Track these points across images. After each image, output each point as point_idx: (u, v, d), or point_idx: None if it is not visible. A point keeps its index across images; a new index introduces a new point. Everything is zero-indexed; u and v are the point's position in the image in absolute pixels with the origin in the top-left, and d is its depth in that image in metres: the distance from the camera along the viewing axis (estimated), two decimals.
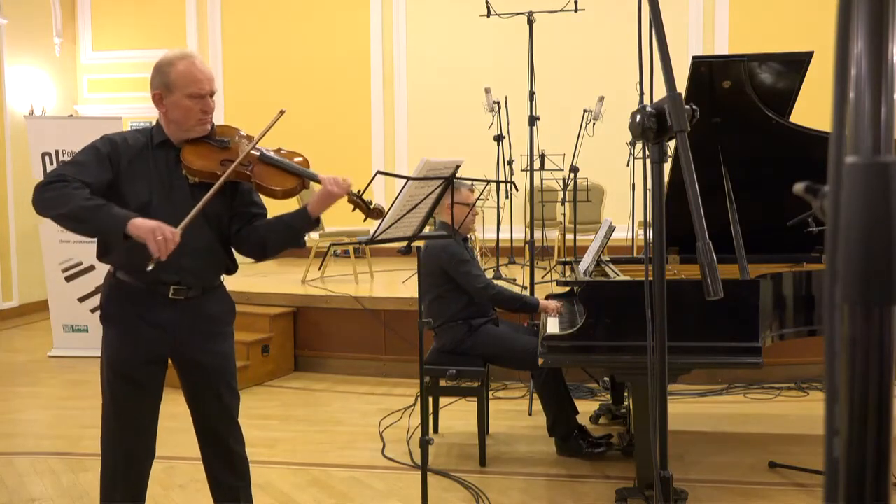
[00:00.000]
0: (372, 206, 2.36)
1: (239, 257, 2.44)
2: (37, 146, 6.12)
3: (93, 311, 6.15)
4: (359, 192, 2.33)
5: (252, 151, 2.24)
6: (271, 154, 2.31)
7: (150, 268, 2.02)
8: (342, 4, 9.01)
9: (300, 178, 2.28)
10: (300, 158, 2.36)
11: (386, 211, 2.45)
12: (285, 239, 2.34)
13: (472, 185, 4.04)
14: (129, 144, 2.23)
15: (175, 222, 2.08)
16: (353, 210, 2.38)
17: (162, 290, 2.23)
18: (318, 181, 2.27)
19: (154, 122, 2.33)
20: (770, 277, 3.08)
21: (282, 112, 2.23)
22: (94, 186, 2.11)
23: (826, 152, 0.57)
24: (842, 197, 0.56)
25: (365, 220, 2.47)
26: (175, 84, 2.19)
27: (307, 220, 2.28)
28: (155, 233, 2.00)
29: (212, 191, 2.15)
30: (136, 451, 2.32)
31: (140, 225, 2.01)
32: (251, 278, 6.50)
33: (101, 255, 2.30)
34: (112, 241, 2.17)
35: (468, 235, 4.07)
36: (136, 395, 2.29)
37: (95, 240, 2.30)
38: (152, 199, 2.19)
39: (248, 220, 2.35)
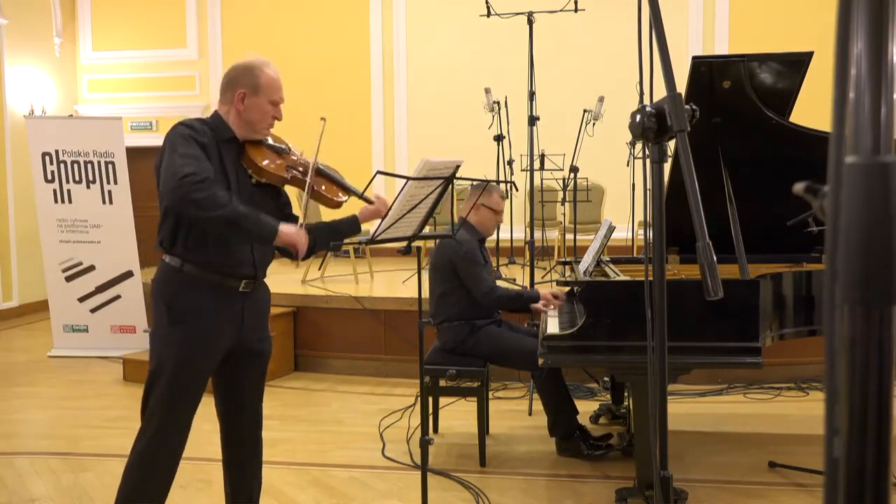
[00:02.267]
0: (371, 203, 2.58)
1: None
2: (37, 146, 6.12)
3: (93, 311, 6.16)
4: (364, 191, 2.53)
5: (309, 161, 2.43)
6: (326, 168, 2.49)
7: (298, 263, 2.24)
8: (342, 4, 9.01)
9: (348, 191, 2.50)
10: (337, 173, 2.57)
11: (386, 211, 2.47)
12: (331, 240, 2.52)
13: (504, 192, 4.05)
14: (203, 134, 2.27)
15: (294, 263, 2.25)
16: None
17: (234, 284, 2.31)
18: (360, 197, 2.47)
19: (209, 117, 2.39)
20: (770, 277, 3.08)
21: (323, 121, 2.40)
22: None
23: (826, 152, 0.57)
24: (842, 197, 0.56)
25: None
26: (263, 88, 2.31)
27: (356, 226, 2.50)
28: (301, 237, 2.22)
29: (308, 194, 2.34)
30: (180, 451, 2.37)
31: (288, 232, 2.20)
32: None
33: (171, 247, 2.28)
34: (258, 243, 2.32)
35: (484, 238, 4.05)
36: (199, 392, 2.34)
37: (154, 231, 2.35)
38: (229, 190, 2.24)
39: (280, 216, 2.44)
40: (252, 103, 2.31)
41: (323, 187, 2.44)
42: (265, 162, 2.34)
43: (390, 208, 2.48)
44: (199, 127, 2.27)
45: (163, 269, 2.31)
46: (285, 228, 2.20)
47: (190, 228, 2.25)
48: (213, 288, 2.28)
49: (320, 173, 2.45)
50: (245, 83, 2.31)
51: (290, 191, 2.55)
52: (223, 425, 2.51)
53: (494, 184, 3.89)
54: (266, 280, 2.52)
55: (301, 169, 2.40)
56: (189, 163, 2.11)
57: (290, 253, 2.31)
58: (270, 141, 2.43)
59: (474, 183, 3.88)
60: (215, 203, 2.08)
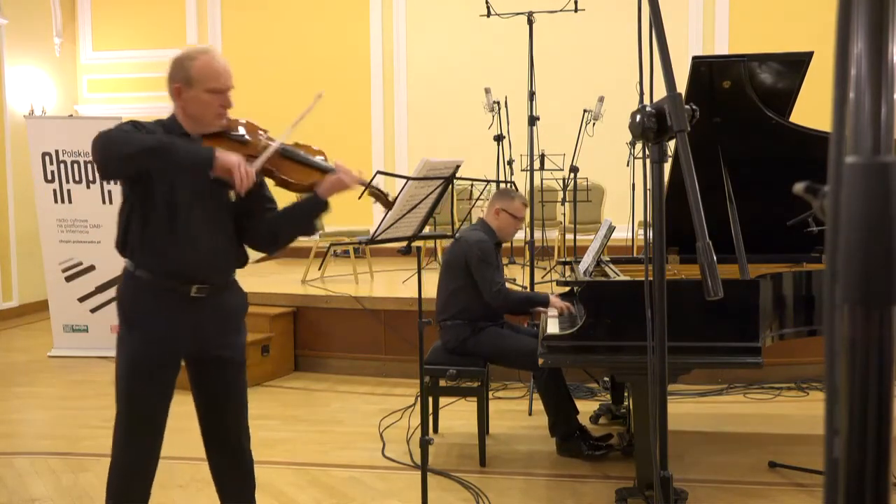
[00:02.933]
0: (391, 198, 2.42)
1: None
2: (37, 146, 6.12)
3: (93, 311, 6.16)
4: (376, 185, 2.38)
5: (277, 147, 2.26)
6: (293, 149, 2.32)
7: (232, 197, 2.10)
8: (342, 4, 9.01)
9: (321, 171, 2.30)
10: (320, 154, 2.39)
11: (388, 210, 2.46)
12: (298, 224, 2.36)
13: (527, 200, 4.05)
14: (151, 131, 2.22)
15: (199, 215, 2.13)
16: (375, 203, 2.44)
17: (185, 289, 2.22)
18: (325, 172, 2.30)
19: (168, 116, 2.31)
20: (770, 277, 3.08)
21: (319, 95, 2.27)
22: None
23: (826, 152, 0.57)
24: (842, 197, 0.56)
25: (383, 212, 2.51)
26: (195, 78, 2.19)
27: (319, 203, 2.28)
28: (240, 166, 2.05)
29: (265, 155, 2.18)
30: (149, 452, 2.32)
31: (226, 158, 2.06)
32: (251, 278, 6.50)
33: (123, 250, 2.27)
34: (193, 173, 2.15)
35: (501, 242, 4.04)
36: (154, 395, 2.28)
37: (116, 233, 2.28)
38: (176, 189, 2.18)
39: (260, 214, 2.36)
40: (189, 97, 2.20)
41: (280, 168, 2.26)
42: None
43: (392, 203, 2.47)
44: (148, 126, 2.23)
45: (122, 272, 2.30)
46: (225, 154, 2.07)
47: (134, 231, 2.20)
48: (164, 293, 2.21)
49: (285, 155, 2.28)
50: (177, 78, 2.21)
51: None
52: (202, 433, 2.44)
53: (516, 190, 3.89)
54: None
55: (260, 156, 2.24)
56: (111, 129, 2.08)
57: (229, 184, 2.13)
58: (242, 131, 2.30)
59: (503, 186, 3.89)
60: (134, 139, 2.04)
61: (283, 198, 2.39)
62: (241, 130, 2.32)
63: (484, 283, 3.67)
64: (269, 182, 2.35)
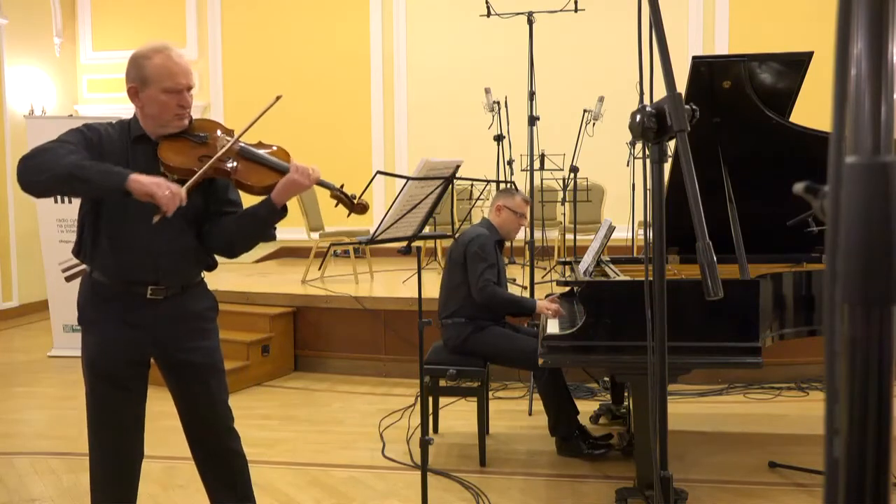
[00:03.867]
0: (356, 201, 2.30)
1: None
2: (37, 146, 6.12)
3: None
4: (341, 186, 2.28)
5: (233, 146, 2.18)
6: (252, 149, 2.23)
7: (156, 220, 1.97)
8: (342, 4, 9.01)
9: (281, 173, 2.20)
10: (277, 150, 2.29)
11: (387, 209, 2.45)
12: (253, 231, 2.27)
13: (527, 197, 4.03)
14: (109, 136, 2.18)
15: (149, 219, 2.03)
16: (336, 206, 2.32)
17: (140, 291, 2.19)
18: (283, 173, 2.19)
19: (132, 116, 2.25)
20: (770, 277, 3.08)
21: (278, 97, 2.16)
22: None
23: (826, 152, 0.57)
24: (842, 197, 0.56)
25: (349, 216, 2.39)
26: (151, 78, 2.11)
27: (271, 208, 2.19)
28: (161, 187, 1.95)
29: (205, 167, 2.09)
30: (122, 452, 2.28)
31: (142, 180, 1.94)
32: (251, 278, 6.50)
33: (78, 253, 2.24)
34: (110, 198, 2.08)
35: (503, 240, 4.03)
36: (118, 397, 2.24)
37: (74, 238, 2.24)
38: (130, 195, 2.05)
39: (218, 219, 2.29)
40: (146, 97, 2.13)
41: (238, 170, 2.16)
42: (175, 155, 2.14)
43: (390, 208, 2.47)
44: (105, 127, 2.19)
45: (82, 275, 2.28)
46: (139, 178, 1.93)
47: (87, 232, 2.18)
48: (119, 295, 2.19)
49: (244, 155, 2.19)
50: (132, 77, 2.14)
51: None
52: (185, 434, 2.40)
53: (517, 188, 3.89)
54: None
55: (227, 157, 2.16)
56: (44, 144, 2.03)
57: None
58: (202, 133, 2.22)
59: (505, 185, 3.90)
60: (51, 163, 1.96)
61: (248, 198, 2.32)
62: (203, 132, 2.24)
63: (472, 276, 3.67)
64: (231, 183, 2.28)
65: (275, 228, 2.30)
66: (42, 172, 1.98)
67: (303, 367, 5.56)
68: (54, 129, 6.82)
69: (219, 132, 2.26)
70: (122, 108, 9.08)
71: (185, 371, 2.31)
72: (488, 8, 5.40)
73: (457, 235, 3.88)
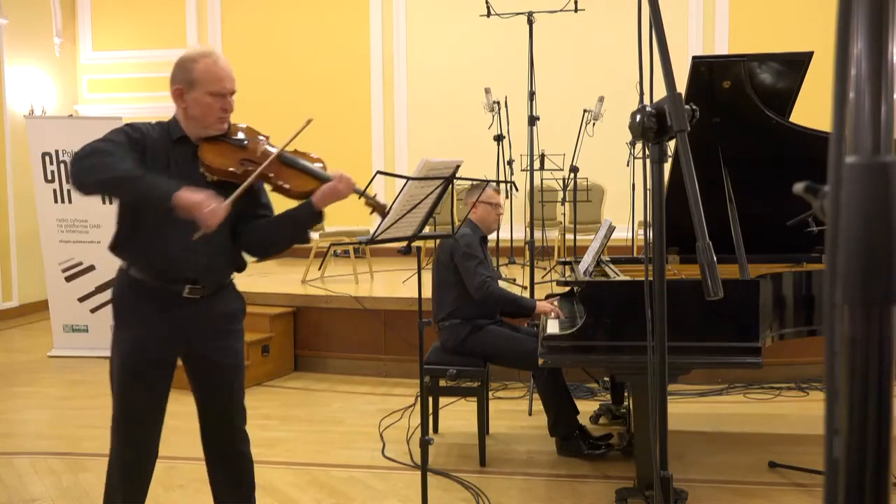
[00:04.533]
0: (386, 210, 2.42)
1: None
2: (37, 146, 6.13)
3: (93, 311, 6.16)
4: (368, 191, 2.35)
5: (273, 152, 2.25)
6: (291, 156, 2.31)
7: (196, 236, 2.03)
8: (342, 4, 9.01)
9: (319, 180, 2.28)
10: (315, 158, 2.38)
11: (387, 210, 2.46)
12: (291, 234, 2.34)
13: (497, 185, 4.06)
14: (151, 137, 2.23)
15: (189, 219, 2.08)
16: (372, 213, 2.42)
17: (177, 289, 2.22)
18: (324, 181, 2.27)
19: (171, 118, 2.31)
20: (770, 277, 3.08)
21: (309, 121, 2.21)
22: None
23: (826, 152, 0.57)
24: (842, 197, 0.56)
25: (372, 213, 2.48)
26: (198, 81, 2.18)
27: (311, 212, 2.26)
28: (202, 205, 2.01)
29: (249, 180, 2.16)
30: (144, 451, 2.32)
31: (186, 197, 2.01)
32: (251, 278, 6.50)
33: (114, 249, 2.27)
34: (154, 209, 2.13)
35: (486, 236, 4.05)
36: (146, 394, 2.28)
37: (113, 230, 2.28)
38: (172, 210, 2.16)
39: (253, 221, 2.35)
40: (191, 99, 2.20)
41: (278, 175, 2.24)
42: (215, 157, 2.21)
43: (390, 208, 2.47)
44: (148, 128, 2.23)
45: (117, 271, 2.31)
46: (184, 196, 2.00)
47: (126, 229, 2.22)
48: (155, 292, 2.22)
49: (284, 161, 2.27)
50: (179, 79, 2.21)
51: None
52: (200, 433, 2.44)
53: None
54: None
55: (259, 161, 2.24)
56: (101, 143, 2.08)
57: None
58: (242, 136, 2.30)
59: (473, 183, 3.90)
60: (103, 167, 2.03)
61: (280, 204, 2.38)
62: (241, 135, 2.32)
63: (467, 274, 3.68)
64: (266, 187, 2.35)
65: (309, 231, 2.37)
66: (95, 174, 2.04)
67: (303, 367, 5.56)
68: (54, 129, 6.82)
69: (258, 137, 2.35)
70: (122, 107, 9.12)
71: (212, 370, 2.35)
72: (488, 8, 5.40)
73: (457, 235, 3.86)
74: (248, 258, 2.44)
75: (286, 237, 2.35)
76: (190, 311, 2.25)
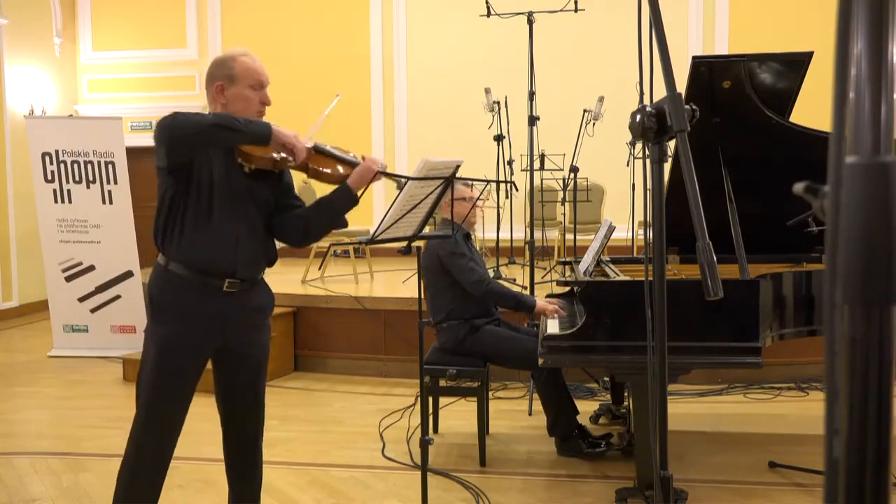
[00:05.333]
0: (404, 181, 2.52)
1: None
2: (37, 146, 6.12)
3: (93, 311, 6.16)
4: (405, 182, 2.47)
5: (307, 143, 2.38)
6: (323, 146, 2.44)
7: (251, 168, 2.25)
8: (342, 4, 9.01)
9: (350, 165, 2.41)
10: (344, 149, 2.51)
11: (387, 209, 2.47)
12: (329, 217, 2.42)
13: (472, 184, 4.03)
14: None
15: (233, 211, 2.25)
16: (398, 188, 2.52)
17: (217, 283, 2.27)
18: (353, 165, 2.41)
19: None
20: (770, 277, 3.07)
21: (338, 95, 2.48)
22: None
23: (826, 152, 0.57)
24: (842, 197, 0.56)
25: (388, 207, 2.56)
26: (238, 76, 2.30)
27: (348, 195, 2.36)
28: (298, 139, 2.24)
29: (319, 122, 2.41)
30: (166, 449, 2.34)
31: (283, 131, 2.22)
32: None
33: (160, 242, 2.30)
34: (254, 143, 2.25)
35: (471, 232, 4.05)
36: (180, 388, 2.31)
37: (156, 224, 2.30)
38: (214, 185, 2.25)
39: (288, 211, 2.44)
40: (232, 94, 2.31)
41: (315, 162, 2.39)
42: (253, 147, 2.30)
43: (390, 208, 2.47)
44: None
45: (154, 266, 2.34)
46: (281, 129, 2.22)
47: (169, 223, 2.25)
48: (196, 287, 2.26)
49: (317, 151, 2.41)
50: (220, 75, 2.32)
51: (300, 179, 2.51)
52: (222, 427, 2.49)
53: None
54: (266, 280, 2.50)
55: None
56: (174, 113, 2.19)
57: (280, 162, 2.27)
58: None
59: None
60: (199, 118, 2.18)
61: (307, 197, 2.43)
62: None
63: (462, 273, 3.66)
64: (302, 175, 2.43)
65: (346, 214, 2.47)
66: (190, 126, 2.17)
67: (303, 367, 5.56)
68: (54, 129, 6.81)
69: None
70: (122, 107, 9.13)
71: (242, 364, 2.41)
72: (488, 8, 5.40)
73: (435, 242, 3.82)
74: (283, 245, 2.49)
75: (325, 222, 2.44)
76: (227, 304, 2.30)
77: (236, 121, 2.17)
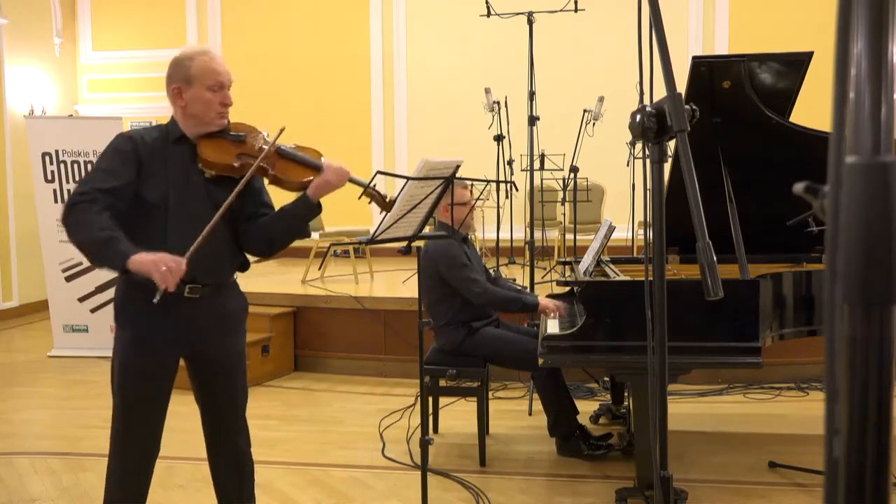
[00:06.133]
0: (388, 199, 2.42)
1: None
2: (37, 146, 6.12)
3: (93, 311, 6.16)
4: (373, 185, 2.37)
5: (270, 149, 2.27)
6: (287, 148, 2.33)
7: (156, 299, 2.02)
8: (342, 4, 9.01)
9: (315, 170, 2.30)
10: (310, 150, 2.39)
11: (389, 201, 2.46)
12: (291, 228, 2.33)
13: (471, 184, 4.03)
14: (146, 142, 2.24)
15: (190, 219, 2.13)
16: (370, 203, 2.42)
17: (177, 289, 2.19)
18: (318, 171, 2.30)
19: (169, 119, 2.32)
20: (770, 277, 3.07)
21: (282, 129, 2.25)
22: (121, 191, 2.15)
23: (826, 152, 0.57)
24: (842, 197, 0.56)
25: (381, 213, 2.50)
26: (195, 77, 2.20)
27: (308, 204, 2.27)
28: (158, 265, 2.00)
29: (229, 200, 2.16)
30: (146, 451, 2.32)
31: (141, 260, 2.01)
32: (251, 278, 6.49)
33: None
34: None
35: (468, 234, 4.06)
36: (149, 395, 2.28)
37: None
38: (169, 196, 2.19)
39: (254, 220, 2.36)
40: (190, 96, 2.21)
41: (275, 167, 2.27)
42: (213, 152, 2.22)
43: (389, 205, 2.46)
44: (141, 134, 2.25)
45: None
46: (138, 259, 2.01)
47: (127, 228, 2.19)
48: (155, 293, 2.19)
49: (281, 154, 2.29)
50: (177, 77, 2.22)
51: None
52: (203, 433, 2.45)
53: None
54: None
55: (256, 155, 2.25)
56: (93, 180, 2.14)
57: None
58: (240, 132, 2.31)
59: (472, 184, 3.88)
60: (79, 227, 2.13)
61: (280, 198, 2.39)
62: (240, 131, 2.33)
63: (463, 284, 3.64)
64: (265, 180, 2.36)
65: (309, 223, 2.39)
66: (72, 233, 2.16)
67: (303, 367, 5.56)
68: (54, 129, 6.81)
69: (258, 133, 2.36)
70: (122, 107, 9.12)
71: (216, 370, 2.36)
72: (488, 8, 5.40)
73: (432, 249, 3.80)
74: (251, 258, 2.44)
75: (286, 232, 2.34)
76: (191, 310, 2.26)
77: (99, 249, 2.09)
